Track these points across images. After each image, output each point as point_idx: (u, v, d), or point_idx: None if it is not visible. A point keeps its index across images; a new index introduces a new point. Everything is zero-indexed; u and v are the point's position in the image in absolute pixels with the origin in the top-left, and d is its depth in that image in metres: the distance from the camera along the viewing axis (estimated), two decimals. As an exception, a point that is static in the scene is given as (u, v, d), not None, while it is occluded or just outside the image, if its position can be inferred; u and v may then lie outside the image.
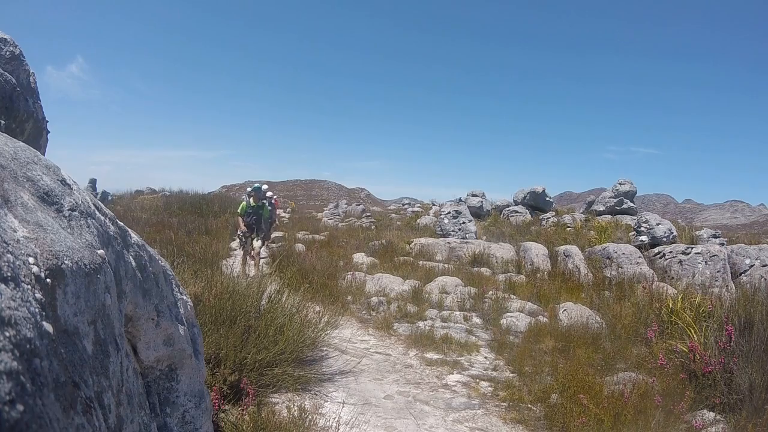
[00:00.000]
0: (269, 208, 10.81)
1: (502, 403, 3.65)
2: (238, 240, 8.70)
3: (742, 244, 8.71)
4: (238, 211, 8.44)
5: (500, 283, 7.77)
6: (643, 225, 9.88)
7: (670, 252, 8.36)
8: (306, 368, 3.75)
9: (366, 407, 3.40)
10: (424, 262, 9.13)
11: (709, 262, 7.76)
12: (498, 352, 4.85)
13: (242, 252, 9.91)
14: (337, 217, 20.68)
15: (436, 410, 3.49)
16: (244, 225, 8.24)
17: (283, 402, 3.17)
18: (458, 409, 3.54)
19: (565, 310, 5.78)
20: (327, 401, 3.42)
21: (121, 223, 1.52)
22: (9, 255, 0.76)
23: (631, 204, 15.79)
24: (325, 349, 4.48)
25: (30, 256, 0.82)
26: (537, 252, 9.13)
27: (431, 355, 4.70)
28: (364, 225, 17.08)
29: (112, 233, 1.34)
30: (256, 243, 8.33)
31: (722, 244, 9.18)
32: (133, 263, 1.43)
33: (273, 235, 11.79)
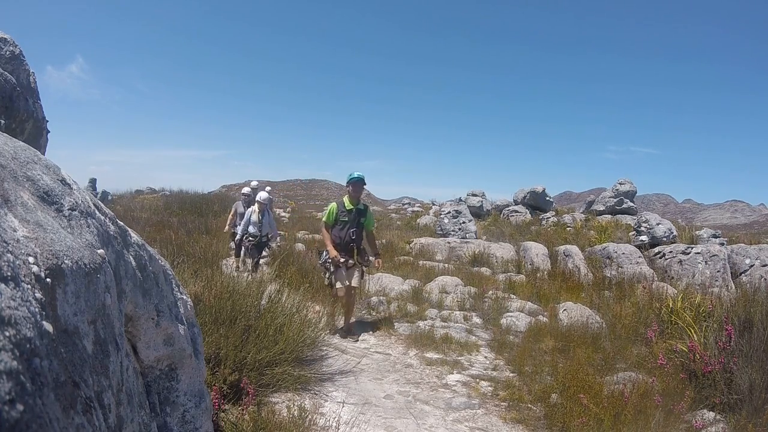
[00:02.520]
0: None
1: (502, 403, 3.65)
2: (325, 273, 5.12)
3: (742, 244, 8.71)
4: (324, 219, 5.08)
5: (500, 282, 7.77)
6: (643, 225, 9.88)
7: (670, 252, 8.36)
8: (306, 368, 3.75)
9: (366, 407, 3.40)
10: (424, 262, 9.13)
11: (709, 262, 7.76)
12: (498, 352, 4.85)
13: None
14: (337, 216, 20.65)
15: (436, 410, 3.49)
16: (333, 244, 4.93)
17: (283, 401, 3.17)
18: (458, 408, 3.54)
19: (565, 309, 5.78)
20: (327, 401, 3.42)
21: (121, 223, 1.52)
22: (9, 254, 0.75)
23: (631, 204, 15.79)
24: (325, 348, 4.48)
25: (30, 255, 0.82)
26: (537, 252, 9.13)
27: (431, 355, 4.70)
28: (364, 225, 17.07)
29: (112, 233, 1.34)
30: (355, 279, 4.99)
31: (722, 244, 9.18)
32: (133, 263, 1.43)
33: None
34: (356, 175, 4.95)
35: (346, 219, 4.93)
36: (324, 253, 5.08)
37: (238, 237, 7.65)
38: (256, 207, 7.60)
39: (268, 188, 11.59)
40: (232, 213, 8.87)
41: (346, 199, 5.04)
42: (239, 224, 8.23)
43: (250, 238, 7.47)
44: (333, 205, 5.08)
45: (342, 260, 4.84)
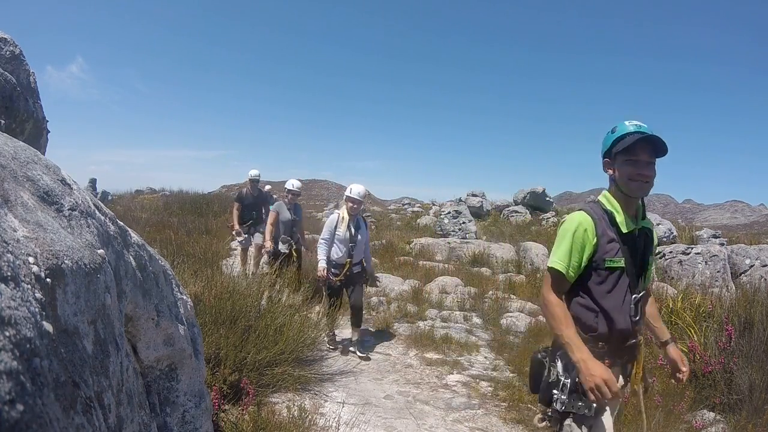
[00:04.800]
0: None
1: (502, 403, 3.65)
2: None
3: (742, 244, 8.71)
4: (556, 264, 1.67)
5: (500, 283, 7.77)
6: (643, 225, 9.88)
7: (670, 252, 8.36)
8: (306, 368, 3.75)
9: (366, 407, 3.40)
10: (424, 262, 9.13)
11: (709, 262, 7.76)
12: (498, 352, 4.85)
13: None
14: (337, 217, 20.64)
15: (436, 410, 3.49)
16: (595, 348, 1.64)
17: (283, 402, 3.16)
18: (458, 409, 3.53)
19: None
20: (327, 401, 3.42)
21: (121, 223, 1.52)
22: (9, 255, 0.75)
23: (631, 204, 15.80)
24: (325, 349, 4.48)
25: (30, 255, 0.82)
26: (537, 252, 9.14)
27: (431, 355, 4.70)
28: (364, 225, 17.04)
29: (112, 233, 1.34)
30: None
31: (722, 244, 9.18)
32: (133, 263, 1.43)
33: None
34: (635, 127, 1.68)
35: (621, 262, 1.70)
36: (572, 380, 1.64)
37: (321, 268, 4.36)
38: (344, 213, 4.41)
39: (266, 187, 10.21)
40: (272, 221, 5.64)
41: (611, 201, 1.75)
42: (282, 236, 5.59)
43: (334, 271, 4.40)
44: (582, 220, 1.70)
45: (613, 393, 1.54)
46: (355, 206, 4.41)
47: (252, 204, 6.87)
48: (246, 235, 6.84)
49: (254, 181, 7.09)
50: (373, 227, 16.28)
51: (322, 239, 4.42)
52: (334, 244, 4.39)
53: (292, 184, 5.85)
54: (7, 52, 4.00)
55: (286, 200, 5.80)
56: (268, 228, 5.64)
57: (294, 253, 5.61)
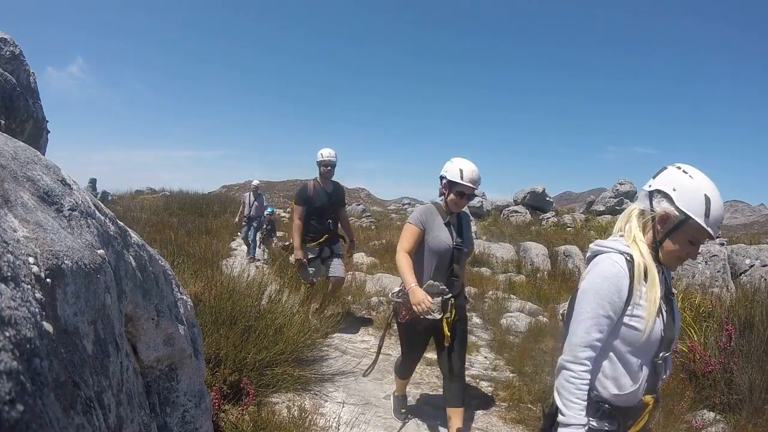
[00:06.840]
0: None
1: (502, 403, 3.65)
2: None
3: (742, 244, 8.71)
4: None
5: (500, 283, 7.77)
6: (643, 225, 9.89)
7: (670, 252, 8.37)
8: (306, 368, 3.75)
9: (366, 407, 3.40)
10: (424, 262, 9.13)
11: (709, 262, 7.76)
12: (498, 352, 4.85)
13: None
14: (337, 217, 20.67)
15: (436, 410, 3.49)
16: None
17: (283, 402, 3.16)
18: (458, 409, 3.53)
19: (565, 310, 5.79)
20: (327, 401, 3.42)
21: (121, 223, 1.52)
22: (9, 255, 0.75)
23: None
24: (325, 349, 4.48)
25: (30, 255, 0.82)
26: (537, 252, 9.14)
27: (431, 355, 4.69)
28: (364, 225, 17.08)
29: (112, 233, 1.34)
30: None
31: (722, 244, 9.18)
32: (133, 263, 1.43)
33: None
34: None
35: None
36: None
37: None
38: (646, 258, 1.31)
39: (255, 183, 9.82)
40: (408, 246, 2.60)
41: None
42: (430, 281, 2.60)
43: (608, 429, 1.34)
44: None
45: None
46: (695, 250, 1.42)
47: (325, 207, 4.12)
48: (314, 262, 4.05)
49: (328, 168, 4.18)
50: (373, 227, 16.27)
51: (586, 341, 1.30)
52: (620, 355, 1.35)
53: (459, 169, 2.62)
54: (7, 52, 4.00)
55: (442, 204, 2.72)
56: (403, 262, 2.57)
57: (447, 322, 2.65)
